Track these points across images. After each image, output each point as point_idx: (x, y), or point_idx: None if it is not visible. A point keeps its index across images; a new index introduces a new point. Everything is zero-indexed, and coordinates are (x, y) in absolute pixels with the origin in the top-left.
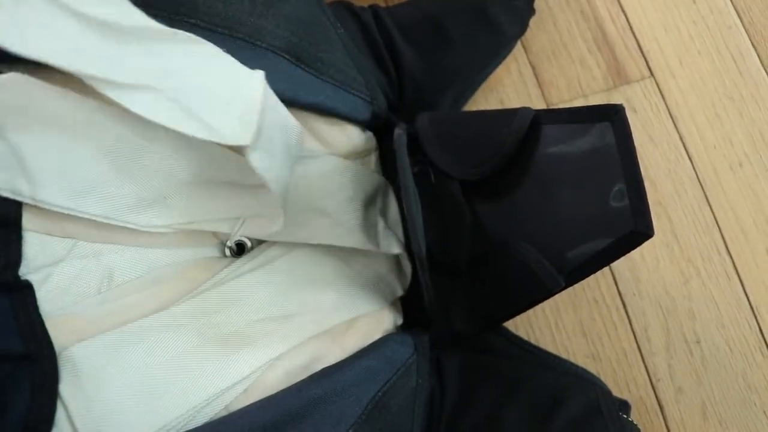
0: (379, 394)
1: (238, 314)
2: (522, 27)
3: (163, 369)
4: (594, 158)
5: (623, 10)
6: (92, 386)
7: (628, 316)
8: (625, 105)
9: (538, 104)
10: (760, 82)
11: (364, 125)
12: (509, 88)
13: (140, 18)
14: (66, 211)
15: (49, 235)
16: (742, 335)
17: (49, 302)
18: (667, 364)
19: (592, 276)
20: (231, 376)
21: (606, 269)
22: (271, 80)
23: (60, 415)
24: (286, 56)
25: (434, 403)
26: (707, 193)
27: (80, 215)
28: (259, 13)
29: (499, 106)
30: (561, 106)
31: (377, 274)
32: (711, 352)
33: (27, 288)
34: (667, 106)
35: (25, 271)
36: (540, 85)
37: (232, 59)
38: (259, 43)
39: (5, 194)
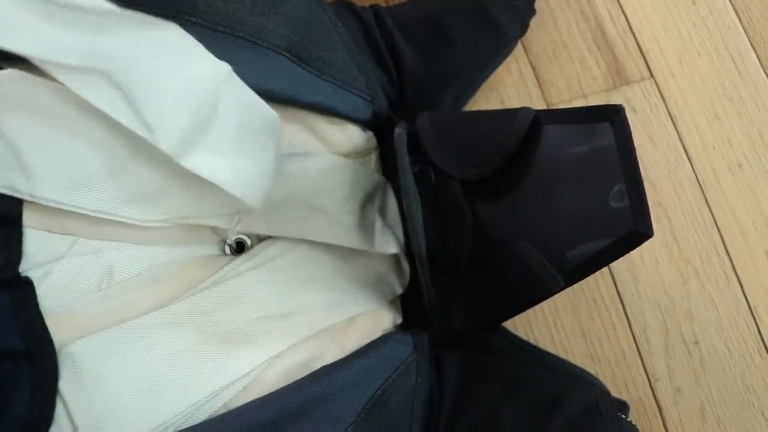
0: (379, 392)
1: (238, 312)
2: (523, 27)
3: (163, 366)
4: (594, 158)
5: (623, 11)
6: (92, 383)
7: (627, 317)
8: (625, 105)
9: (539, 104)
10: (759, 83)
11: (365, 124)
12: (510, 88)
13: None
14: (63, 207)
15: (49, 232)
16: (740, 336)
17: (49, 299)
18: (665, 365)
19: (591, 276)
20: (230, 373)
21: (605, 269)
22: (272, 79)
23: (60, 412)
24: (287, 55)
25: (433, 402)
26: (706, 194)
27: (77, 210)
28: (260, 12)
29: (499, 106)
30: (561, 106)
31: (377, 273)
32: (710, 353)
33: (27, 285)
34: (666, 107)
35: (25, 268)
36: (540, 85)
37: (196, 46)
38: (260, 42)
39: (3, 191)
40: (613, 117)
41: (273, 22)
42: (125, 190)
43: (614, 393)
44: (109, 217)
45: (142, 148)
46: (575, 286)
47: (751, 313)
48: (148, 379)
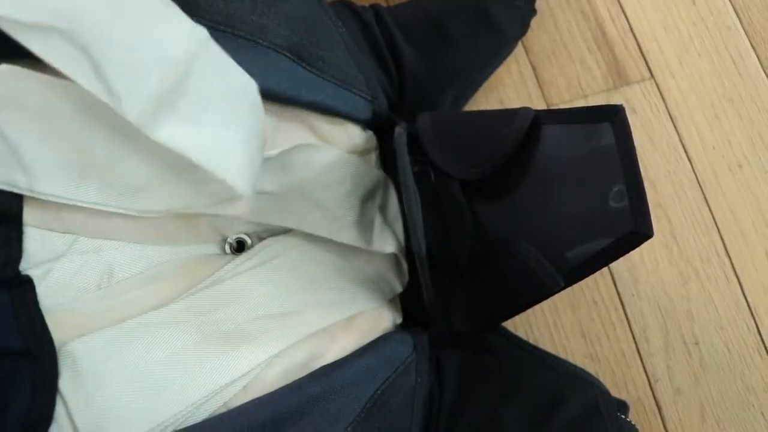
0: (378, 392)
1: (238, 311)
2: (523, 27)
3: (163, 365)
4: (594, 158)
5: (623, 11)
6: (92, 382)
7: (627, 317)
8: (625, 105)
9: (539, 104)
10: (759, 84)
11: (365, 124)
12: (509, 88)
13: None
14: (64, 201)
15: (50, 230)
16: (740, 337)
17: (49, 298)
18: (665, 365)
19: (591, 276)
20: (230, 373)
21: (605, 270)
22: (273, 79)
23: (59, 411)
24: (288, 55)
25: (433, 402)
26: (706, 195)
27: (78, 204)
28: (261, 11)
29: (499, 106)
30: (561, 106)
31: (377, 272)
32: (709, 354)
33: (27, 283)
34: (666, 107)
35: (26, 267)
36: (540, 85)
37: (171, 6)
38: (260, 41)
39: (3, 187)
40: (613, 117)
41: (273, 21)
42: (127, 181)
43: (614, 393)
44: (108, 209)
45: (140, 139)
46: (575, 286)
47: (751, 313)
48: (147, 378)
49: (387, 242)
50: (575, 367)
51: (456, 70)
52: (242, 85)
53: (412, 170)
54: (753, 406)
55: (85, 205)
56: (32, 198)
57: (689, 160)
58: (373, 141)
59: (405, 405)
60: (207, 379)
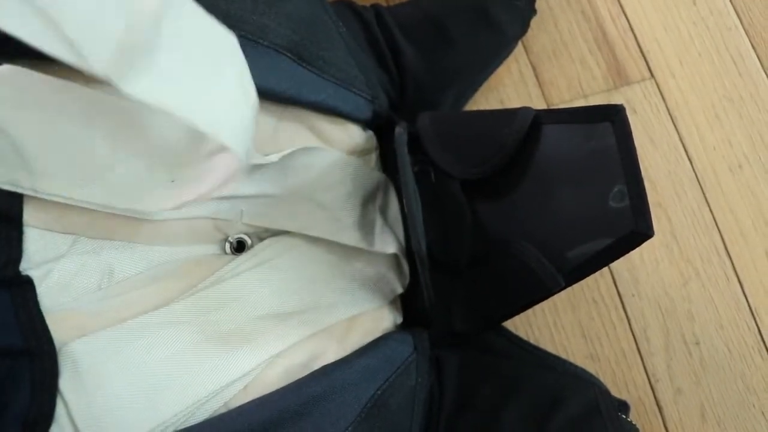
0: (379, 392)
1: (238, 312)
2: (523, 27)
3: (163, 365)
4: (594, 158)
5: (624, 11)
6: (92, 382)
7: (627, 317)
8: (625, 106)
9: (539, 104)
10: (759, 84)
11: (365, 124)
12: (510, 88)
13: None
14: (68, 201)
15: (50, 230)
16: (741, 337)
17: (49, 298)
18: (666, 365)
19: (591, 276)
20: (230, 373)
21: (605, 269)
22: (273, 78)
23: (60, 410)
24: (288, 54)
25: (433, 402)
26: (707, 195)
27: (83, 205)
28: (262, 11)
29: (499, 106)
30: (561, 106)
31: (377, 272)
32: (710, 354)
33: (27, 283)
34: (667, 107)
35: (26, 267)
36: (540, 85)
37: None
38: (261, 41)
39: (5, 187)
40: (613, 116)
41: (274, 21)
42: (125, 182)
43: (614, 393)
44: (111, 210)
45: (149, 138)
46: (575, 286)
47: (752, 313)
48: (148, 378)
49: (388, 243)
50: (575, 367)
51: (456, 70)
52: (218, 38)
53: (413, 170)
54: (753, 406)
55: (87, 206)
56: (33, 198)
57: (689, 160)
58: (374, 141)
59: (405, 405)
60: (207, 379)
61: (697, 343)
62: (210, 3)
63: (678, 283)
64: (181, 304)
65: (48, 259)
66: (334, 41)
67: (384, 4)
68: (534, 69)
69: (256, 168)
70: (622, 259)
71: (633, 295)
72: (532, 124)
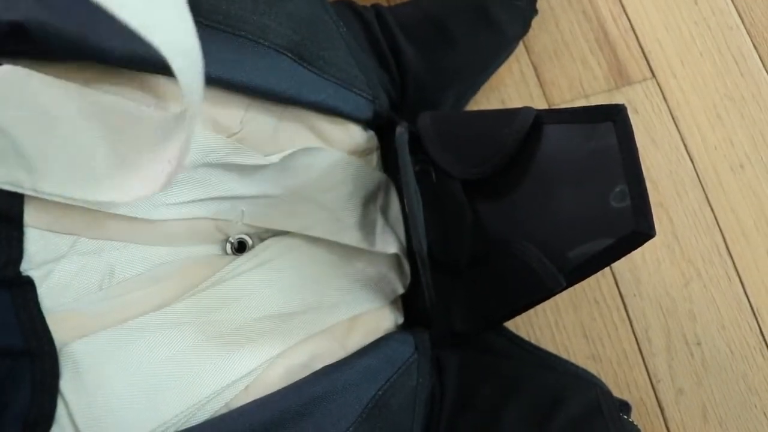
0: (380, 392)
1: (239, 312)
2: (524, 27)
3: (164, 366)
4: (595, 158)
5: (625, 11)
6: (93, 382)
7: (629, 317)
8: (627, 105)
9: (540, 104)
10: (761, 83)
11: (366, 124)
12: (511, 88)
13: None
14: (69, 202)
15: (51, 231)
16: (742, 337)
17: (50, 298)
18: (667, 366)
19: (592, 277)
20: (232, 373)
21: (607, 270)
22: (274, 78)
23: (60, 411)
24: (289, 54)
25: (434, 402)
26: (708, 195)
27: (84, 205)
28: (262, 11)
29: (500, 106)
30: (562, 106)
31: (378, 272)
32: (711, 354)
33: (28, 284)
34: (668, 107)
35: (26, 267)
36: (541, 85)
37: None
38: (261, 41)
39: (6, 187)
40: (615, 116)
41: (275, 21)
42: (126, 183)
43: (616, 394)
44: (114, 211)
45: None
46: (577, 286)
47: (753, 313)
48: (149, 379)
49: (389, 243)
50: (577, 367)
51: (457, 70)
52: None
53: (413, 170)
54: (755, 406)
55: (89, 206)
56: (33, 198)
57: (691, 160)
58: (375, 141)
59: (406, 405)
60: (208, 379)
61: (699, 344)
62: (211, 3)
63: (679, 283)
64: (182, 304)
65: (48, 260)
66: (334, 41)
67: (384, 4)
68: (535, 69)
69: (257, 169)
70: (623, 259)
71: (634, 296)
72: (533, 124)
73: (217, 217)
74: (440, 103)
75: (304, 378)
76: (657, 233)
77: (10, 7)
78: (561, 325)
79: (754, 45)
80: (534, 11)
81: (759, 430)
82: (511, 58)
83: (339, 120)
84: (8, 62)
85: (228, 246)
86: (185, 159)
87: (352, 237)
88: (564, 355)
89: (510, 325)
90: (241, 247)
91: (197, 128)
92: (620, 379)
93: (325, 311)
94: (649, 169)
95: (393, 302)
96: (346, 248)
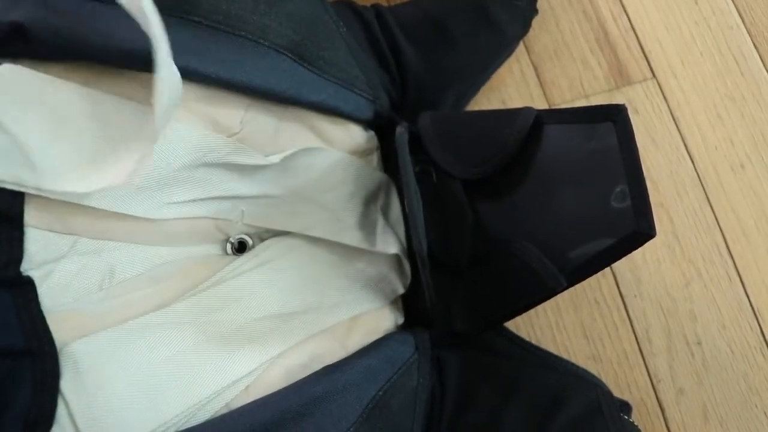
0: (380, 393)
1: (240, 312)
2: (524, 27)
3: (165, 366)
4: (596, 158)
5: (625, 11)
6: (93, 382)
7: (629, 317)
8: (627, 105)
9: (540, 104)
10: (761, 83)
11: (367, 124)
12: (511, 88)
13: None
14: (71, 200)
15: (51, 231)
16: (743, 337)
17: (50, 298)
18: (668, 366)
19: (593, 277)
20: (232, 373)
21: (607, 270)
22: (274, 79)
23: (61, 411)
24: (289, 54)
25: (435, 402)
26: (708, 194)
27: (86, 204)
28: (262, 11)
29: (501, 106)
30: (563, 106)
31: (379, 272)
32: (712, 354)
33: (28, 284)
34: (668, 107)
35: (27, 267)
36: (542, 85)
37: None
38: (262, 41)
39: (8, 186)
40: (615, 116)
41: (275, 21)
42: (136, 182)
43: (616, 394)
44: (117, 210)
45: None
46: (577, 286)
47: (754, 313)
48: (149, 379)
49: (390, 243)
50: (577, 367)
51: (457, 70)
52: None
53: (414, 170)
54: (756, 406)
55: (92, 205)
56: (33, 198)
57: (691, 160)
58: (375, 141)
59: (407, 405)
60: (209, 379)
61: (699, 344)
62: (211, 3)
63: (680, 283)
64: (183, 304)
65: (49, 260)
66: (334, 41)
67: (385, 4)
68: (535, 69)
69: (257, 169)
70: (624, 259)
71: (635, 296)
72: (534, 124)
73: (218, 217)
74: (440, 103)
75: (304, 378)
76: (657, 233)
77: (10, 8)
78: (561, 325)
79: (754, 44)
80: (534, 11)
81: (760, 429)
82: (512, 58)
83: (339, 120)
84: (9, 62)
85: (228, 246)
86: (150, 153)
87: (352, 237)
88: (564, 356)
89: (510, 325)
90: (241, 247)
91: (197, 128)
92: (621, 379)
93: (326, 311)
94: (649, 169)
95: (393, 302)
96: (347, 248)
